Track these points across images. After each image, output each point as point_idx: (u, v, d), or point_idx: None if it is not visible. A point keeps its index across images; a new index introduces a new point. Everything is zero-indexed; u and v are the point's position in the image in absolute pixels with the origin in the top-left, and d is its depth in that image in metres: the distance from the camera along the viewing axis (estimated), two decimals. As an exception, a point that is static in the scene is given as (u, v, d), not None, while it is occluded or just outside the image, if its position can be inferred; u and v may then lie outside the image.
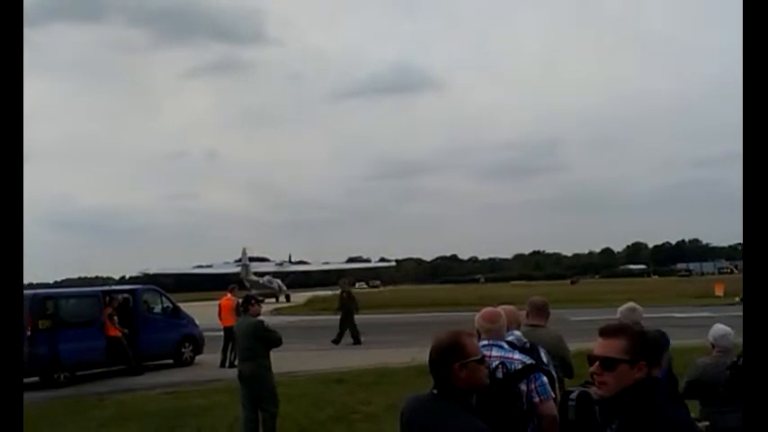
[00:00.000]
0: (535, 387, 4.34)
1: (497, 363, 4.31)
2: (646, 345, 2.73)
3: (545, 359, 4.90)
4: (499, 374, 4.26)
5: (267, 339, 9.29)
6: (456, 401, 3.17)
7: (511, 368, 4.32)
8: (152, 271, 77.09)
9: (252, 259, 68.48)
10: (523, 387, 4.31)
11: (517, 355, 4.45)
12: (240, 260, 65.93)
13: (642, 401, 2.58)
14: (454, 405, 3.16)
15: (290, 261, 77.55)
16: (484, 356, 3.29)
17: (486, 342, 4.42)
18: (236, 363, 18.13)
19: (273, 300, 61.54)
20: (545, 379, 4.44)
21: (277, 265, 73.30)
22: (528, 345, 4.86)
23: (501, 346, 4.47)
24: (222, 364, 18.36)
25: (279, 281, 67.22)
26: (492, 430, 3.22)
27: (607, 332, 2.76)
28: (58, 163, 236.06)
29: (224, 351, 18.68)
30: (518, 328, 5.13)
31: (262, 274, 65.81)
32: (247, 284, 59.81)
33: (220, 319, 19.45)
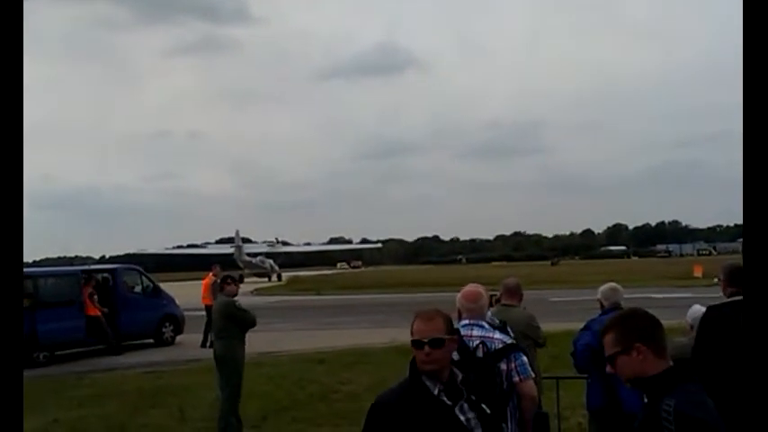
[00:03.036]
0: (515, 366, 4.35)
1: (478, 342, 4.31)
2: (633, 327, 2.65)
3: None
4: (479, 354, 4.26)
5: (238, 319, 9.15)
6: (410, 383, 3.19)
7: (491, 347, 4.33)
8: (150, 250, 77.86)
9: (227, 240, 69.10)
10: (503, 366, 4.32)
11: (497, 335, 4.45)
12: (227, 240, 66.57)
13: (687, 380, 2.57)
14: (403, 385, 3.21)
15: (277, 241, 78.13)
16: (418, 341, 3.17)
17: (467, 321, 4.43)
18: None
19: (266, 279, 62.60)
20: (525, 358, 4.46)
21: (269, 245, 74.22)
22: (498, 323, 4.88)
23: (482, 326, 4.47)
24: (203, 344, 18.34)
25: (271, 261, 68.41)
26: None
27: (601, 332, 2.76)
28: (39, 141, 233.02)
29: (205, 330, 18.65)
30: (488, 308, 5.13)
31: (254, 255, 66.78)
32: (241, 265, 60.89)
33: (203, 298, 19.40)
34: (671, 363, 2.63)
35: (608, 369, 2.71)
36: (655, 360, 2.60)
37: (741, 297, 4.76)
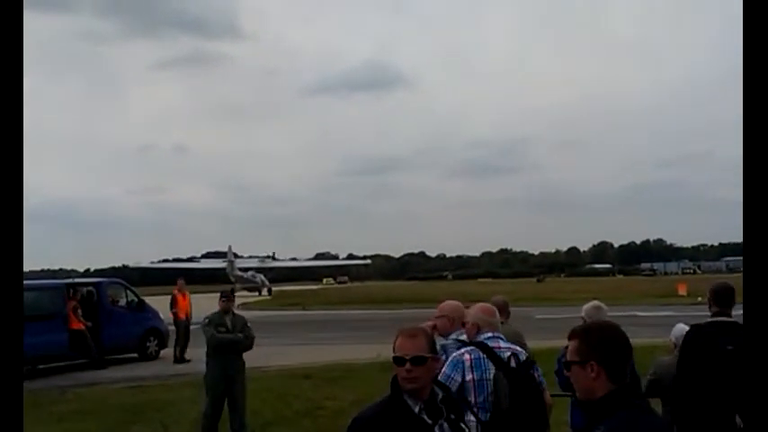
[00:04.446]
0: (538, 376, 4.49)
1: (509, 354, 4.41)
2: (595, 343, 2.62)
3: None
4: (513, 364, 4.35)
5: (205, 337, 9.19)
6: (390, 401, 3.19)
7: (521, 358, 4.44)
8: (142, 264, 78.92)
9: (213, 254, 69.94)
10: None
11: (518, 347, 4.60)
12: (213, 254, 67.26)
13: (623, 406, 2.51)
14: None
15: (268, 257, 79.25)
16: (400, 358, 3.17)
17: (490, 334, 4.53)
18: (182, 356, 18.26)
19: (256, 293, 63.91)
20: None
21: (260, 261, 76.02)
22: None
23: (503, 339, 4.58)
24: (175, 359, 18.47)
25: (262, 276, 69.92)
26: (524, 416, 3.91)
27: (569, 335, 2.73)
28: (26, 154, 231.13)
29: (175, 345, 19.00)
30: (463, 326, 5.15)
31: (245, 270, 68.11)
32: (232, 279, 62.42)
33: None
34: (621, 384, 2.58)
35: (565, 372, 2.70)
36: (606, 382, 2.56)
37: (724, 317, 4.86)
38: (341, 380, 14.07)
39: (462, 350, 4.45)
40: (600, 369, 2.55)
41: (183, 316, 19.02)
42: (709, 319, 4.96)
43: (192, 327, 19.41)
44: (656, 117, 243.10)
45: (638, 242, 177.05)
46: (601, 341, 2.62)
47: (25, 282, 23.38)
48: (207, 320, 9.13)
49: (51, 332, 17.09)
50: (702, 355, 4.92)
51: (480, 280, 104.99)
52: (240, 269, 67.00)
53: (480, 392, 4.24)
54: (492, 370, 4.28)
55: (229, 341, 8.97)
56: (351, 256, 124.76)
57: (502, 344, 4.50)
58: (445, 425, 3.16)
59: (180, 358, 18.40)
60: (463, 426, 3.24)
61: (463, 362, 4.32)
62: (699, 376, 4.84)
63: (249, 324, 9.29)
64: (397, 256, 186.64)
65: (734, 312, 4.97)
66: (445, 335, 5.15)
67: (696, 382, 4.87)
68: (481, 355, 4.35)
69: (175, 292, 19.65)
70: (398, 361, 3.16)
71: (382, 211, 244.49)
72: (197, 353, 18.01)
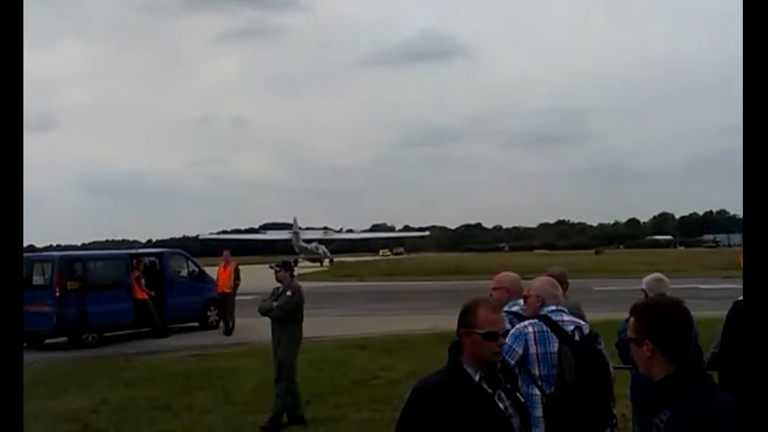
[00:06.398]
0: (602, 349, 4.46)
1: (573, 327, 4.40)
2: (648, 321, 2.52)
3: None
4: (577, 337, 4.34)
5: None
6: (451, 371, 3.17)
7: (585, 331, 4.44)
8: (203, 235, 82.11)
9: (271, 225, 72.68)
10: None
11: (582, 321, 4.63)
12: (271, 225, 69.84)
13: (687, 387, 2.42)
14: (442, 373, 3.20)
15: (327, 229, 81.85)
16: (494, 333, 3.15)
17: (554, 307, 4.51)
18: (226, 327, 18.51)
19: (318, 264, 67.47)
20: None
21: (324, 233, 79.62)
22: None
23: (566, 312, 4.57)
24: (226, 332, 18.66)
25: (324, 247, 72.97)
26: (589, 389, 3.96)
27: (630, 310, 2.65)
28: (89, 126, 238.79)
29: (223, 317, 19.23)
30: (525, 300, 5.11)
31: (309, 241, 71.01)
32: (297, 250, 66.63)
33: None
34: (681, 364, 2.47)
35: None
36: (663, 362, 2.47)
37: None
38: (396, 351, 14.16)
39: (526, 322, 4.43)
40: (654, 349, 2.48)
41: (218, 289, 19.21)
42: None
43: (240, 297, 19.68)
44: (718, 83, 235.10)
45: (700, 213, 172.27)
46: (657, 320, 2.52)
47: (91, 252, 24.16)
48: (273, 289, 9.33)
49: (116, 301, 17.61)
50: (732, 331, 4.91)
51: (537, 251, 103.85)
52: (304, 240, 69.30)
53: (544, 366, 4.24)
54: (556, 343, 4.26)
55: (262, 309, 9.11)
56: (407, 228, 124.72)
57: (565, 317, 4.47)
58: (502, 394, 3.17)
59: (226, 329, 18.68)
60: (519, 395, 3.25)
61: (526, 334, 4.31)
62: (730, 351, 4.86)
63: (290, 293, 8.91)
64: (453, 227, 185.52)
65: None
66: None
67: (729, 356, 4.88)
68: (545, 328, 4.32)
69: (219, 264, 19.78)
70: (492, 336, 3.14)
71: (438, 181, 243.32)
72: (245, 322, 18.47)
